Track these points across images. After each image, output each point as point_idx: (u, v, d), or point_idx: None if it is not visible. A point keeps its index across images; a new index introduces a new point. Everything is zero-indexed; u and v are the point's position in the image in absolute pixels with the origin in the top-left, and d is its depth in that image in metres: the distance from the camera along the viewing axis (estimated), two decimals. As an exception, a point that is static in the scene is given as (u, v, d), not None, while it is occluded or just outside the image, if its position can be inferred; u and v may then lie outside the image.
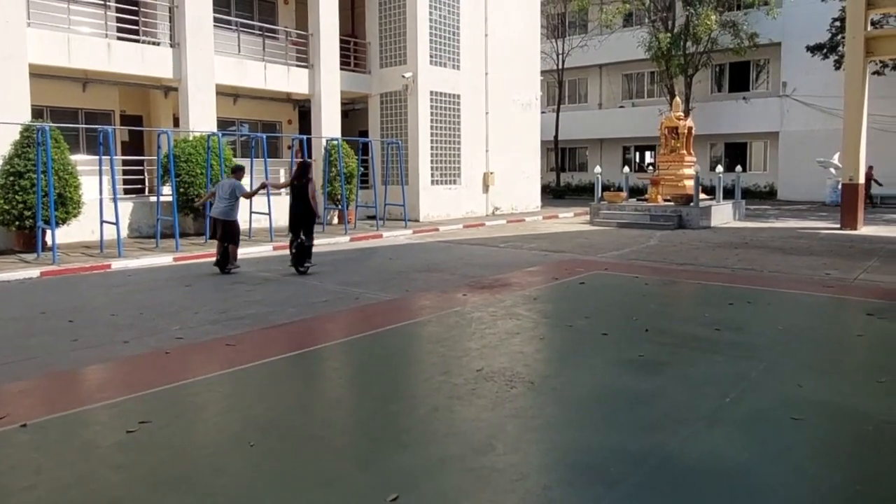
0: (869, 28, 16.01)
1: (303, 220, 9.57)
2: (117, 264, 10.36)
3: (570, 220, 19.91)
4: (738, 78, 28.74)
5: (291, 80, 16.84)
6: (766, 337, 5.95)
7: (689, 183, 17.98)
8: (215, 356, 5.55)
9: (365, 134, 19.27)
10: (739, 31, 25.45)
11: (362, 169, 17.15)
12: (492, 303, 7.44)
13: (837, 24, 22.73)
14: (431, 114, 18.44)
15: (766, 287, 8.50)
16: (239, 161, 13.09)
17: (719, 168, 19.99)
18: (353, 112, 20.96)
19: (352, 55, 19.12)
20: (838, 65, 22.67)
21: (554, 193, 30.25)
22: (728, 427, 3.87)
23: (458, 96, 19.31)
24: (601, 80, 32.70)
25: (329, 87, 17.33)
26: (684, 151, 19.08)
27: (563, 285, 8.71)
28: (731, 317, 6.74)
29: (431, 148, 18.55)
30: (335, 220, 16.36)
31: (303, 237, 9.55)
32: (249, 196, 10.33)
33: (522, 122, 22.07)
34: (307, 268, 9.68)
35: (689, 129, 19.25)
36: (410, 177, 18.13)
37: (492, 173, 20.62)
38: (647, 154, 31.81)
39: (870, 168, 22.59)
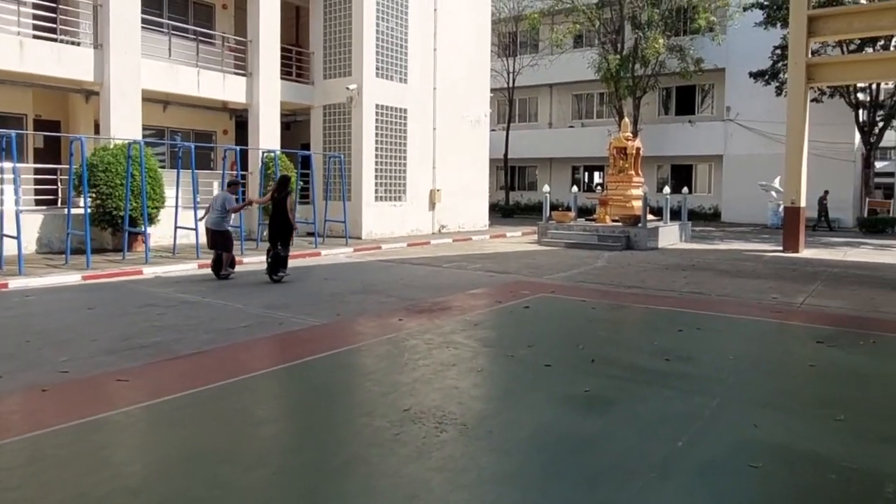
0: (810, 56, 16.33)
1: (281, 231, 10.03)
2: (16, 283, 9.29)
3: (517, 239, 19.58)
4: (685, 101, 29.33)
5: (227, 87, 15.99)
6: (718, 368, 5.63)
7: (637, 204, 17.89)
8: (101, 395, 4.79)
9: (307, 147, 18.50)
10: (686, 55, 25.95)
11: (302, 183, 16.38)
12: (429, 329, 6.88)
13: (779, 51, 23.38)
14: (377, 128, 17.85)
15: (715, 312, 8.27)
16: (165, 172, 12.19)
17: (667, 189, 20.06)
18: (295, 124, 20.20)
19: (294, 65, 18.40)
20: (779, 91, 23.28)
21: (503, 212, 30.03)
22: (682, 477, 3.49)
23: (405, 110, 18.80)
24: (551, 100, 32.88)
25: (268, 96, 16.56)
26: (632, 172, 19.04)
27: (507, 310, 8.22)
28: (680, 345, 6.40)
29: (376, 163, 17.94)
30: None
31: (279, 247, 10.01)
32: (237, 210, 10.86)
33: (471, 139, 21.71)
34: (281, 276, 10.09)
35: (638, 149, 19.25)
36: (353, 192, 17.45)
37: (439, 190, 20.14)
38: (596, 174, 32.04)
39: (825, 193, 23.14)
